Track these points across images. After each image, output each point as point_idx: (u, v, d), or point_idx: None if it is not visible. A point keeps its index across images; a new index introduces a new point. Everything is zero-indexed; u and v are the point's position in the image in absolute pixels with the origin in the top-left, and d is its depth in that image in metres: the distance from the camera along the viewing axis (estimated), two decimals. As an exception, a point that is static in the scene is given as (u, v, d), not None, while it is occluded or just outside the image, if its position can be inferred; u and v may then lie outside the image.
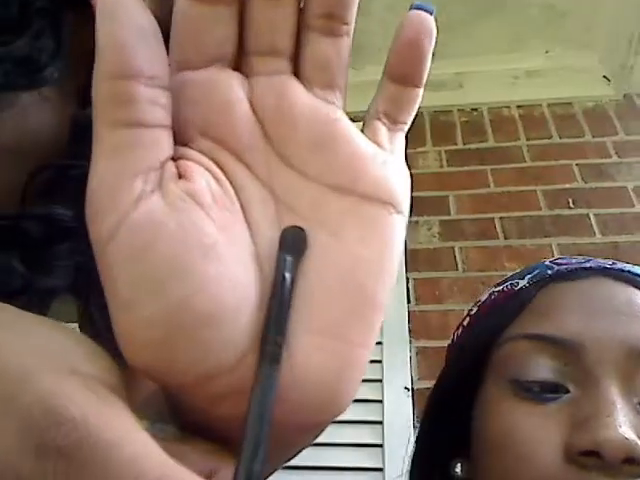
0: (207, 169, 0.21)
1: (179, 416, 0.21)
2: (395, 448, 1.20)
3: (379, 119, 0.23)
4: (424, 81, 0.23)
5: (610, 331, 0.40)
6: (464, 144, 1.76)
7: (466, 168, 1.69)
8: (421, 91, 0.23)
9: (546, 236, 1.51)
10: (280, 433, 0.20)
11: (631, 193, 1.57)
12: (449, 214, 1.59)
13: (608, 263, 0.45)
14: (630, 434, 0.36)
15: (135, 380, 0.20)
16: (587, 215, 1.54)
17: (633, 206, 1.54)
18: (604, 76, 1.85)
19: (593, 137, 1.72)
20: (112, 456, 0.15)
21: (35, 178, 0.35)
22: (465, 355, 0.48)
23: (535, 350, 0.41)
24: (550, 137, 1.74)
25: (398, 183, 0.22)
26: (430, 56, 0.22)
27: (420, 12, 0.22)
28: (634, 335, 0.39)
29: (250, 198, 0.21)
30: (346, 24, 0.22)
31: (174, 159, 0.20)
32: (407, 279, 1.45)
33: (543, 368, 0.40)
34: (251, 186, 0.21)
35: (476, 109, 1.84)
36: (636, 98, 1.80)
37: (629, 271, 0.44)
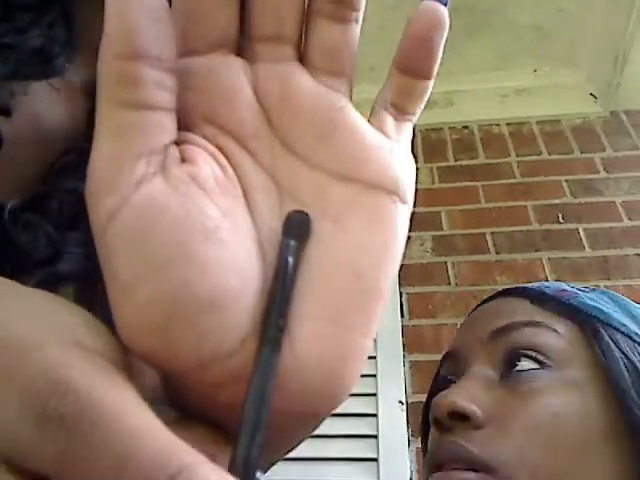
0: (210, 154, 0.20)
1: (178, 401, 0.20)
2: (390, 462, 1.21)
3: (386, 109, 0.22)
4: (435, 73, 0.22)
5: (477, 329, 0.49)
6: (455, 161, 1.78)
7: (457, 184, 1.71)
8: (432, 82, 0.22)
9: (537, 250, 1.53)
10: (280, 422, 0.19)
11: (619, 207, 1.59)
12: (441, 229, 1.61)
13: (532, 286, 0.52)
14: (454, 396, 0.44)
15: (136, 361, 0.20)
16: (577, 230, 1.56)
17: (622, 220, 1.56)
18: (591, 94, 1.89)
19: (581, 153, 1.75)
20: (114, 428, 0.15)
21: (55, 165, 0.35)
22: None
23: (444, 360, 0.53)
24: (539, 153, 1.77)
25: (403, 172, 0.22)
26: (442, 48, 0.21)
27: (433, 3, 0.21)
28: (495, 325, 0.47)
29: (253, 185, 0.21)
30: (356, 11, 0.21)
31: (177, 144, 0.20)
32: (400, 294, 1.47)
33: (448, 371, 0.51)
34: (254, 173, 0.21)
35: (467, 126, 1.87)
36: (622, 115, 1.83)
37: (524, 288, 0.51)
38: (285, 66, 0.21)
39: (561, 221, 1.59)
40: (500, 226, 1.59)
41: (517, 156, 1.77)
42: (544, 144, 1.79)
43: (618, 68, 1.75)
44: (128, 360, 0.19)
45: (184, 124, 0.20)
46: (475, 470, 0.41)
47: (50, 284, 0.36)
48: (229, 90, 0.21)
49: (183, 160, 0.20)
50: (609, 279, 1.45)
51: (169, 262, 0.18)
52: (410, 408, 1.29)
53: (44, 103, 0.34)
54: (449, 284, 1.49)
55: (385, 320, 1.41)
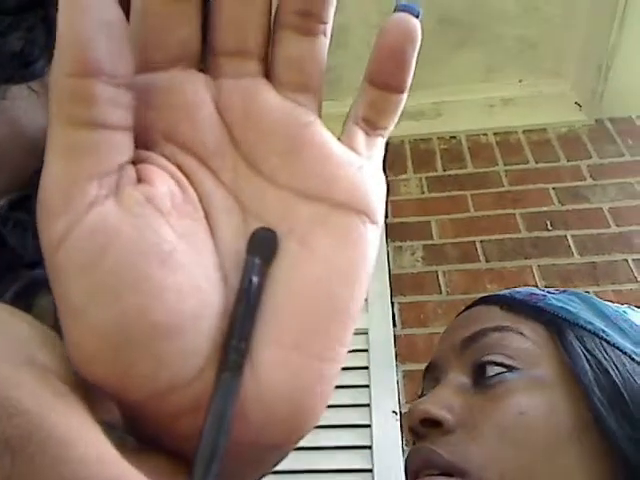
0: (170, 174, 0.19)
1: (134, 430, 0.19)
2: (385, 472, 1.20)
3: (357, 124, 0.22)
4: (408, 86, 0.21)
5: (451, 338, 0.50)
6: (444, 170, 1.79)
7: (447, 194, 1.72)
8: (405, 96, 0.22)
9: (526, 258, 1.54)
10: (241, 453, 0.19)
11: (607, 214, 1.61)
12: (432, 239, 1.62)
13: (502, 292, 0.54)
14: (425, 404, 0.45)
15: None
16: (565, 236, 1.58)
17: (609, 227, 1.58)
18: (576, 102, 1.91)
19: (568, 161, 1.77)
20: (63, 454, 0.14)
21: (40, 169, 0.35)
22: None
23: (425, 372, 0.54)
24: (526, 162, 1.79)
25: (373, 191, 0.21)
26: (414, 61, 0.21)
27: (405, 15, 0.20)
28: (466, 333, 0.48)
29: (215, 205, 0.20)
30: (324, 23, 0.20)
31: (134, 163, 0.19)
32: (392, 303, 1.47)
33: (429, 384, 0.52)
34: (217, 193, 0.20)
35: (454, 137, 1.88)
36: (607, 122, 1.85)
37: (496, 295, 0.53)
38: (249, 81, 0.20)
39: (549, 228, 1.60)
40: (490, 234, 1.60)
41: (505, 165, 1.78)
42: (531, 153, 1.81)
43: (602, 77, 1.78)
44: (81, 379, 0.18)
45: (142, 142, 0.19)
46: (449, 474, 0.42)
47: (31, 290, 0.35)
48: (190, 106, 0.20)
49: (139, 180, 0.19)
50: (598, 285, 1.46)
51: (122, 287, 0.17)
52: (404, 418, 1.29)
53: (23, 107, 0.33)
54: (440, 293, 1.49)
55: (377, 330, 1.42)
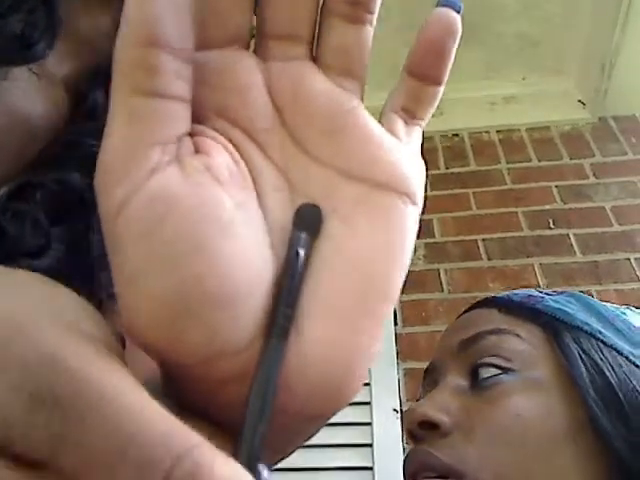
0: (223, 147, 0.20)
1: (178, 399, 0.19)
2: (385, 470, 1.20)
3: (396, 112, 0.22)
4: (445, 79, 0.22)
5: (449, 341, 0.50)
6: (446, 168, 1.79)
7: (449, 192, 1.72)
8: (442, 88, 0.23)
9: (528, 256, 1.54)
10: (284, 422, 0.19)
11: (609, 213, 1.61)
12: (434, 237, 1.62)
13: (501, 295, 0.53)
14: (422, 407, 0.46)
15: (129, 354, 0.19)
16: (567, 235, 1.57)
17: (612, 225, 1.58)
18: (579, 100, 1.91)
19: (571, 159, 1.77)
20: (112, 408, 0.14)
21: (39, 156, 0.35)
22: None
23: (424, 375, 0.55)
24: (529, 160, 1.78)
25: (413, 173, 0.21)
26: (453, 54, 0.22)
27: (447, 10, 0.21)
28: (463, 336, 0.48)
29: (264, 180, 0.20)
30: (371, 13, 0.21)
31: (190, 135, 0.19)
32: (394, 301, 1.47)
33: (428, 388, 0.52)
34: (265, 168, 0.21)
35: (457, 134, 1.88)
36: (611, 120, 1.85)
37: (494, 297, 0.53)
38: (298, 65, 0.21)
39: (552, 227, 1.60)
40: (492, 232, 1.60)
41: (507, 163, 1.78)
42: (534, 151, 1.80)
43: (605, 75, 1.77)
44: (122, 350, 0.18)
45: (196, 117, 0.20)
46: (445, 477, 0.42)
47: None
48: (242, 86, 0.21)
49: (197, 151, 0.19)
50: (600, 284, 1.46)
51: (180, 255, 0.17)
52: (404, 418, 1.28)
53: (23, 91, 0.33)
54: (442, 291, 1.49)
55: (379, 328, 1.41)
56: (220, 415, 0.19)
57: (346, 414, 1.30)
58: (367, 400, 1.30)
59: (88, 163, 0.37)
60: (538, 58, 1.91)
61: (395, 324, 1.43)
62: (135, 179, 0.18)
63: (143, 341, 0.18)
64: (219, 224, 0.18)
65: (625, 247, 1.52)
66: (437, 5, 0.21)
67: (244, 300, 0.18)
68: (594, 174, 1.71)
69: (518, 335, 0.46)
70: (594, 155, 1.77)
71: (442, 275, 1.53)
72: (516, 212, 1.64)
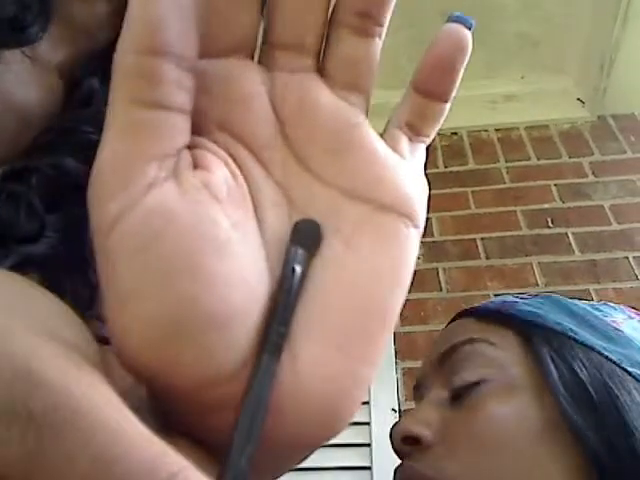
0: (223, 162, 0.19)
1: (164, 419, 0.19)
2: (384, 470, 1.20)
3: (401, 129, 0.22)
4: (452, 96, 0.22)
5: (431, 355, 0.52)
6: (445, 167, 1.79)
7: (448, 190, 1.72)
8: (448, 105, 0.22)
9: (527, 255, 1.54)
10: (275, 446, 0.18)
11: (608, 211, 1.60)
12: (432, 236, 1.61)
13: (478, 304, 0.54)
14: (404, 423, 0.47)
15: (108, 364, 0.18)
16: (566, 234, 1.57)
17: (610, 224, 1.57)
18: (578, 99, 1.90)
19: (570, 158, 1.76)
20: (92, 430, 0.13)
21: (34, 142, 0.34)
22: None
23: (414, 393, 0.55)
24: (528, 159, 1.78)
25: (416, 195, 0.21)
26: (461, 72, 0.21)
27: (457, 26, 0.21)
28: (441, 348, 0.50)
29: (263, 197, 0.20)
30: (380, 26, 0.20)
31: (189, 148, 0.19)
32: (392, 300, 1.46)
33: (416, 402, 0.53)
34: (265, 186, 0.20)
35: (456, 133, 1.88)
36: (610, 119, 1.85)
37: (472, 307, 0.54)
38: (304, 77, 0.21)
39: (550, 226, 1.60)
40: (490, 231, 1.60)
41: (506, 162, 1.78)
42: (533, 149, 1.80)
43: (605, 73, 1.77)
44: (104, 357, 0.17)
45: (196, 128, 0.19)
46: None
47: (24, 268, 0.34)
48: (245, 97, 0.20)
49: (195, 166, 0.19)
50: (599, 282, 1.45)
51: (176, 272, 0.17)
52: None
53: (16, 74, 0.33)
54: (440, 290, 1.49)
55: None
56: (207, 437, 0.18)
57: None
58: (365, 399, 1.30)
59: (83, 150, 0.36)
60: (537, 57, 1.90)
61: (393, 323, 1.43)
62: (131, 194, 0.17)
63: (134, 364, 0.17)
64: (215, 243, 0.17)
65: (624, 246, 1.52)
66: (448, 21, 0.21)
67: (239, 321, 0.18)
68: (593, 173, 1.71)
69: (491, 342, 0.47)
70: (593, 154, 1.76)
71: (441, 274, 1.52)
72: (515, 211, 1.64)
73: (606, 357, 0.43)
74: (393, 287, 0.20)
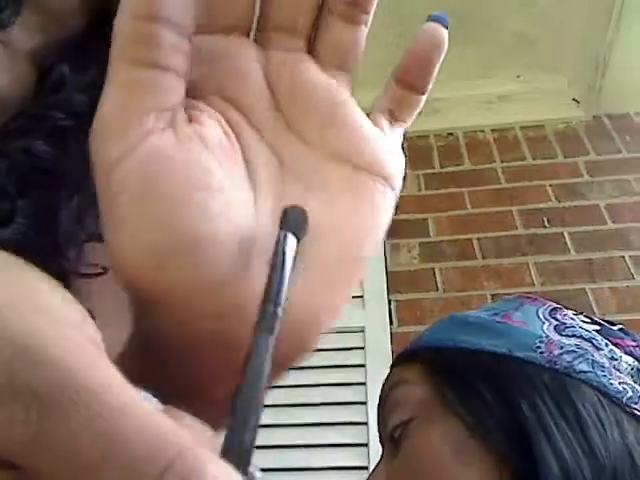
0: (217, 122, 0.21)
1: (156, 363, 0.21)
2: (382, 470, 1.20)
3: (382, 113, 0.25)
4: (428, 88, 0.24)
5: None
6: (441, 167, 1.79)
7: (444, 191, 1.72)
8: (425, 97, 0.25)
9: (523, 255, 1.54)
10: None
11: (603, 211, 1.61)
12: (428, 236, 1.62)
13: (420, 340, 0.54)
14: None
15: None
16: (562, 233, 1.57)
17: (606, 223, 1.58)
18: (574, 99, 1.91)
19: (565, 158, 1.77)
20: (99, 405, 0.13)
21: (5, 127, 0.35)
22: None
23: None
24: (524, 159, 1.78)
25: (395, 161, 0.24)
26: (437, 67, 0.24)
27: (436, 25, 0.23)
28: (382, 393, 0.51)
29: (255, 157, 0.22)
30: (366, 13, 0.23)
31: (185, 108, 0.21)
32: (389, 301, 1.47)
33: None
34: (256, 145, 0.22)
35: (452, 133, 1.88)
36: (605, 119, 1.85)
37: (403, 350, 0.54)
38: (296, 56, 0.23)
39: (546, 225, 1.60)
40: (486, 231, 1.60)
41: (502, 162, 1.78)
42: (528, 149, 1.80)
43: (600, 73, 1.78)
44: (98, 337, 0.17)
45: (193, 94, 0.21)
46: None
47: None
48: (242, 70, 0.22)
49: (190, 121, 0.21)
50: (594, 282, 1.46)
51: (169, 203, 0.19)
52: None
53: None
54: (437, 290, 1.49)
55: (374, 328, 1.41)
56: (208, 412, 0.18)
57: (342, 414, 1.30)
58: (363, 400, 1.30)
59: (54, 135, 0.36)
60: (533, 56, 1.91)
61: (390, 323, 1.43)
62: (131, 139, 0.19)
63: (127, 276, 0.20)
64: (208, 190, 0.20)
65: (619, 245, 1.53)
66: (427, 20, 0.23)
67: (224, 245, 0.20)
68: (588, 172, 1.72)
69: (405, 380, 0.48)
70: (588, 153, 1.77)
71: (437, 274, 1.53)
72: (511, 211, 1.64)
73: (494, 353, 0.44)
74: (366, 233, 0.23)
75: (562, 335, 0.45)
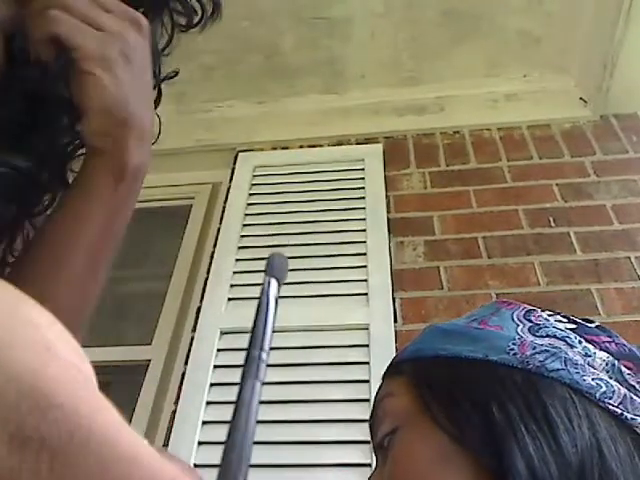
0: None
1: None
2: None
3: None
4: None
5: None
6: (447, 166, 1.79)
7: (449, 189, 1.72)
8: None
9: (528, 254, 1.54)
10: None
11: (609, 211, 1.61)
12: (434, 234, 1.62)
13: (402, 353, 0.54)
14: None
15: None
16: (568, 233, 1.57)
17: (612, 224, 1.58)
18: (581, 98, 1.90)
19: (571, 157, 1.76)
20: (108, 454, 0.12)
21: None
22: None
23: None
24: (530, 158, 1.78)
25: None
26: None
27: None
28: (372, 405, 0.52)
29: None
30: None
31: None
32: (393, 299, 1.47)
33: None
34: None
35: (458, 132, 1.88)
36: (612, 119, 1.85)
37: (396, 363, 0.53)
38: None
39: (552, 225, 1.60)
40: (492, 230, 1.60)
41: (508, 161, 1.78)
42: (535, 148, 1.80)
43: (607, 73, 1.77)
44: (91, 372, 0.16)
45: None
46: None
47: None
48: None
49: None
50: (600, 282, 1.46)
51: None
52: None
53: None
54: (441, 289, 1.49)
55: (378, 326, 1.41)
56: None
57: (345, 410, 1.30)
58: (367, 397, 1.30)
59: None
60: (540, 56, 1.90)
61: (395, 321, 1.43)
62: None
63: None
64: None
65: (625, 245, 1.52)
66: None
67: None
68: (595, 172, 1.71)
69: (390, 393, 0.49)
70: (595, 153, 1.76)
71: (442, 273, 1.53)
72: (516, 210, 1.64)
73: (472, 358, 0.45)
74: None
75: (535, 336, 0.46)
